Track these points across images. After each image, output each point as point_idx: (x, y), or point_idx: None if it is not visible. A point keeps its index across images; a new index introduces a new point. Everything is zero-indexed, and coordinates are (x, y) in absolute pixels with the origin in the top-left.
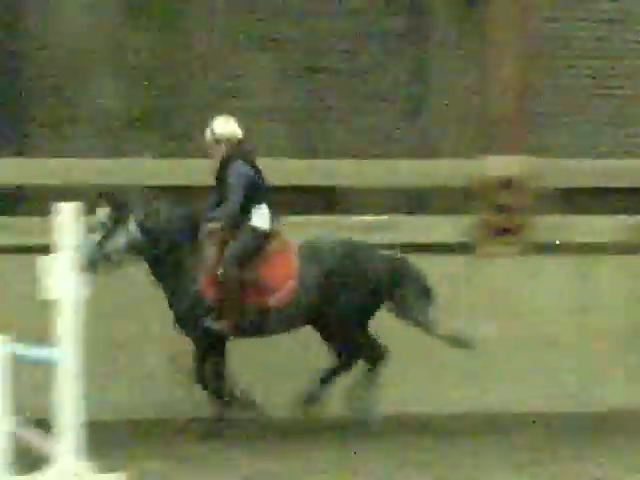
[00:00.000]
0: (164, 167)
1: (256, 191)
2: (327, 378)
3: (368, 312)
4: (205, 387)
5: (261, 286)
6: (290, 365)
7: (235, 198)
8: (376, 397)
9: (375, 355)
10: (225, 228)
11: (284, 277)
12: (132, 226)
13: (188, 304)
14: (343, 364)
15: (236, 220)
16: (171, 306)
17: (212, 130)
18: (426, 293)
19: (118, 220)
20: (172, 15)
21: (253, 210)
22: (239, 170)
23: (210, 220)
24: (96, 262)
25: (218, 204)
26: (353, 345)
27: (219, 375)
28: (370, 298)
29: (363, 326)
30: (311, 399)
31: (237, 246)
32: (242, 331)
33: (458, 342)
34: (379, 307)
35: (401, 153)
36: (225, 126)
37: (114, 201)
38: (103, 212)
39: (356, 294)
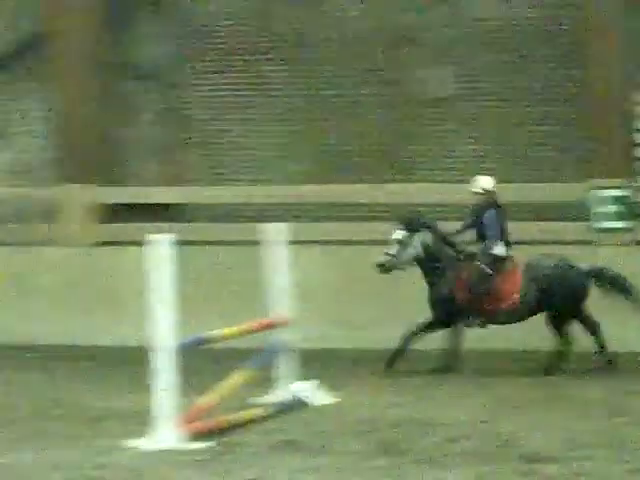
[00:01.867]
0: None
1: (500, 231)
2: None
3: (569, 313)
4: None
5: (496, 296)
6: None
7: (493, 236)
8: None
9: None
10: (480, 256)
11: (511, 291)
12: (418, 245)
13: (444, 300)
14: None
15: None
16: (431, 300)
17: (479, 184)
18: (627, 291)
19: (409, 239)
20: None
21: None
22: (494, 216)
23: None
24: (392, 268)
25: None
26: (565, 327)
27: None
28: (570, 307)
29: (568, 318)
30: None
31: (483, 267)
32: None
33: None
34: (580, 307)
35: None
36: (489, 183)
37: (408, 224)
38: (399, 232)
39: (560, 305)
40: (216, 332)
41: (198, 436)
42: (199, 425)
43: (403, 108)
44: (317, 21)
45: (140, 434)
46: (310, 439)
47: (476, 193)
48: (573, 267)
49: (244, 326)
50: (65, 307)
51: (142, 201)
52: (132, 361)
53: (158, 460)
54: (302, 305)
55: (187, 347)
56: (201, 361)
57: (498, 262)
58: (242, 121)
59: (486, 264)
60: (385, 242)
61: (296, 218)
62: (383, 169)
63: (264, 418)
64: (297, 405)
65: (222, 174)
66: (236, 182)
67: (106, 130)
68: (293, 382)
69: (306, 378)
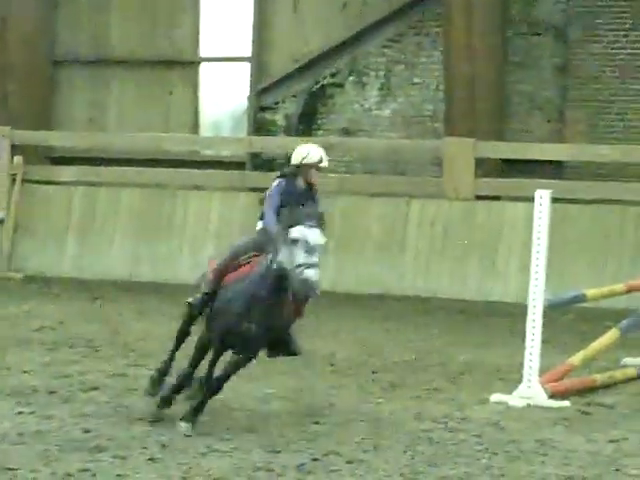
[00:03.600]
0: None
1: None
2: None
3: None
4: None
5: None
6: None
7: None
8: None
9: None
10: None
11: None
12: None
13: None
14: None
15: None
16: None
17: (324, 157)
18: None
19: None
20: None
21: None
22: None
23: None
24: None
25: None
26: None
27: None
28: None
29: None
30: None
31: None
32: None
33: None
34: None
35: None
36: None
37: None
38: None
39: None
40: (590, 291)
41: (563, 395)
42: (565, 384)
43: None
44: None
45: (502, 390)
46: None
47: (318, 169)
48: None
49: (616, 287)
50: (436, 259)
51: (521, 157)
52: (496, 315)
53: (521, 416)
54: None
55: (560, 304)
56: (572, 320)
57: None
58: (635, 80)
59: None
60: None
61: None
62: None
63: (632, 380)
64: None
65: (610, 133)
66: (617, 142)
67: (496, 85)
68: None
69: None
